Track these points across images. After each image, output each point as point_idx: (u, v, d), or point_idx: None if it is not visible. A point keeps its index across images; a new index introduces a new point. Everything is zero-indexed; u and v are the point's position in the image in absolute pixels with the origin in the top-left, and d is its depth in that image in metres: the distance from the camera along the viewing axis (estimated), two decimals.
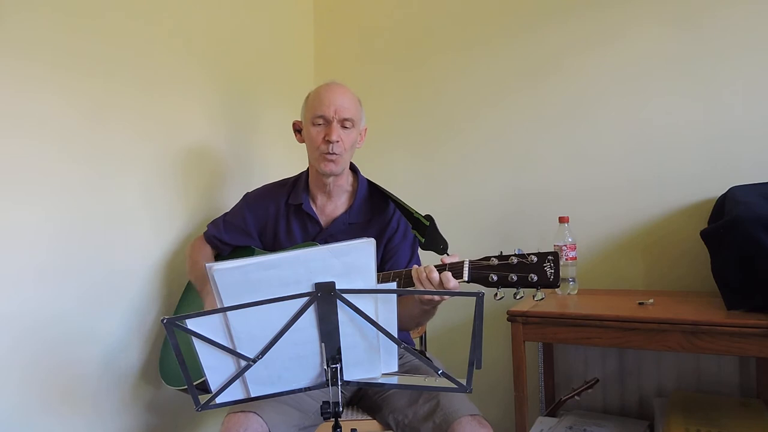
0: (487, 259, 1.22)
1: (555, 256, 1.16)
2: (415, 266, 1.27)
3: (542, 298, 1.18)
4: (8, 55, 1.36)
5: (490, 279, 1.20)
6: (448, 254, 1.28)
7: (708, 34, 1.84)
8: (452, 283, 1.21)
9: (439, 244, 1.37)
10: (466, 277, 1.22)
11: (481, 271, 1.21)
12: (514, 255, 1.19)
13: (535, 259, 1.17)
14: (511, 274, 1.18)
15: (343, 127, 1.52)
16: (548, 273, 1.16)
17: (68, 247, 1.50)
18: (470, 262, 1.23)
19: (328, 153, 1.50)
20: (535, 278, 1.16)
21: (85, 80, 1.53)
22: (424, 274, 1.23)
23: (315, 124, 1.52)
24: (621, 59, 1.96)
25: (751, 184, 1.70)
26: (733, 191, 1.65)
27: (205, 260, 1.66)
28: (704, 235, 1.59)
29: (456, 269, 1.23)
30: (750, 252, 1.42)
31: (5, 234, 1.36)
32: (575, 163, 2.03)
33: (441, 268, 1.24)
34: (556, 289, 1.83)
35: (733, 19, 1.81)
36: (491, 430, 1.26)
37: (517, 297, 1.19)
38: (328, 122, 1.51)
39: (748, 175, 1.74)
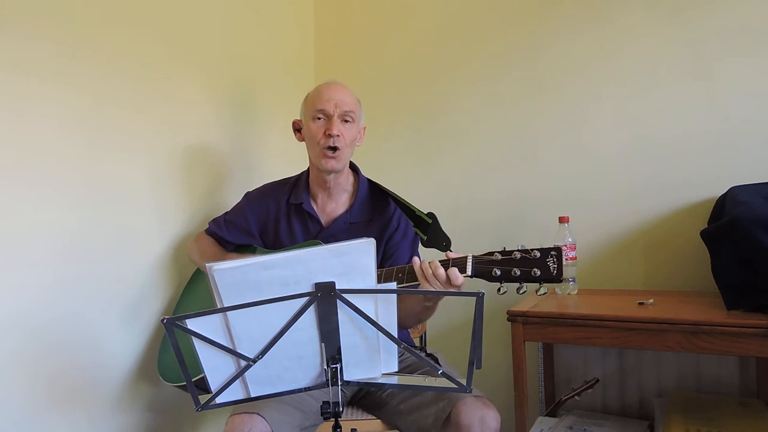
0: (491, 254, 1.23)
1: (558, 251, 1.18)
2: (418, 261, 1.27)
3: (545, 293, 1.20)
4: (10, 53, 1.37)
5: (493, 273, 1.21)
6: (451, 251, 1.29)
7: (708, 34, 1.84)
8: (460, 279, 1.21)
9: (441, 242, 1.37)
10: (469, 271, 1.23)
11: (484, 266, 1.22)
12: (518, 250, 1.20)
13: (538, 254, 1.19)
14: (515, 269, 1.20)
15: (344, 121, 1.52)
16: (551, 268, 1.17)
17: (70, 248, 1.50)
18: (474, 257, 1.24)
19: (329, 148, 1.51)
20: (539, 273, 1.18)
21: (86, 79, 1.53)
22: (430, 271, 1.23)
23: (315, 120, 1.53)
24: (620, 60, 1.96)
25: (751, 184, 1.70)
26: (733, 191, 1.65)
27: (211, 248, 1.67)
28: (704, 235, 1.59)
29: (460, 264, 1.23)
30: (750, 252, 1.42)
31: (8, 236, 1.36)
32: (575, 163, 2.03)
33: (445, 263, 1.24)
34: (557, 289, 1.83)
35: (733, 18, 1.81)
36: (496, 411, 1.27)
37: (521, 291, 1.21)
38: (328, 117, 1.51)
39: (748, 175, 1.74)
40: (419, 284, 1.26)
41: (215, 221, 1.74)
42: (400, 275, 1.32)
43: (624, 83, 1.96)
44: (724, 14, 1.82)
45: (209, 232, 1.73)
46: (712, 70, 1.84)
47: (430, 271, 1.23)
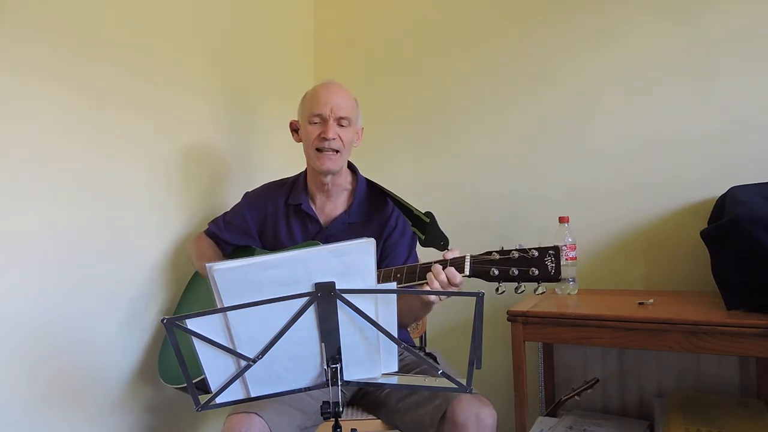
0: (489, 253, 1.23)
1: (556, 250, 1.17)
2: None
3: (543, 292, 1.20)
4: (8, 51, 1.37)
5: (491, 273, 1.21)
6: (448, 250, 1.29)
7: (708, 34, 1.84)
8: (458, 278, 1.21)
9: (439, 241, 1.37)
10: (467, 271, 1.23)
11: (482, 266, 1.22)
12: (516, 250, 1.20)
13: (536, 253, 1.18)
14: (513, 269, 1.19)
15: (340, 125, 1.53)
16: (549, 267, 1.17)
17: (71, 248, 1.50)
18: (472, 256, 1.24)
19: (325, 150, 1.51)
20: (537, 272, 1.18)
21: (87, 80, 1.53)
22: (435, 277, 1.23)
23: (312, 123, 1.53)
24: (620, 59, 1.96)
25: (751, 184, 1.69)
26: (734, 191, 1.65)
27: (208, 251, 1.67)
28: (704, 235, 1.59)
29: (457, 264, 1.23)
30: (750, 252, 1.42)
31: (8, 236, 1.36)
32: (575, 162, 2.03)
33: (443, 263, 1.24)
34: (556, 289, 1.83)
35: (733, 18, 1.81)
36: (492, 408, 1.27)
37: (519, 291, 1.20)
38: (324, 120, 1.52)
39: (748, 175, 1.74)
40: (418, 283, 1.26)
41: (214, 222, 1.74)
42: (398, 275, 1.32)
43: (624, 83, 1.96)
44: (724, 15, 1.82)
45: (209, 232, 1.73)
46: (712, 70, 1.84)
47: (434, 278, 1.23)
